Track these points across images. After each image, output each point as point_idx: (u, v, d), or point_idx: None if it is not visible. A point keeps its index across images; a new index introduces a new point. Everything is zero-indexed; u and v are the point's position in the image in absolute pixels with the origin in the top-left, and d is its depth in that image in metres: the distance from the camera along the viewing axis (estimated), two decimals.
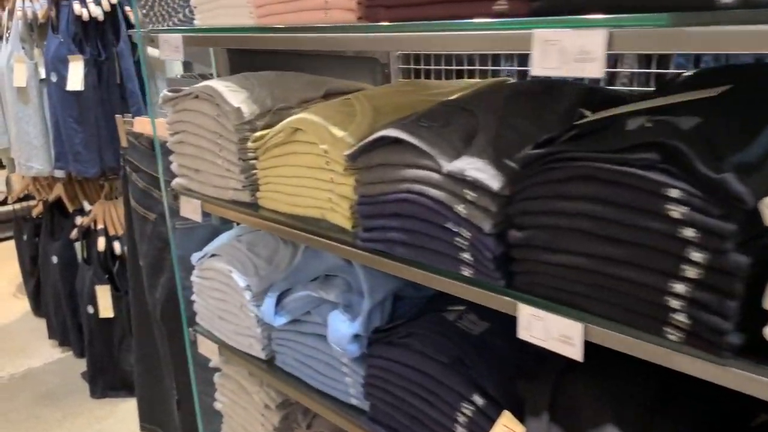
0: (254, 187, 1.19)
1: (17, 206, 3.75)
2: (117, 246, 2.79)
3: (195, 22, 1.26)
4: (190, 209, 1.23)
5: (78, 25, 2.50)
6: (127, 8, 2.58)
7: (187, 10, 1.40)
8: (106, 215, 2.83)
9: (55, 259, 3.13)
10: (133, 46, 2.62)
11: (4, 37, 2.94)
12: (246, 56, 1.45)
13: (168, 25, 1.46)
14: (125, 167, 1.73)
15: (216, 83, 1.17)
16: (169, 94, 1.21)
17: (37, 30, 2.87)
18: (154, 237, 1.60)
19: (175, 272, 1.38)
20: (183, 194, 1.28)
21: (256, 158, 1.15)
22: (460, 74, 1.64)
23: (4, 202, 5.20)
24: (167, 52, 1.18)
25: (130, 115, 2.05)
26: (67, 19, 2.49)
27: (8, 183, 5.10)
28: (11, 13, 2.97)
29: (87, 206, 3.14)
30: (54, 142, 2.67)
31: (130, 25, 2.60)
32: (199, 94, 1.19)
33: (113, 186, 2.94)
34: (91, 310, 2.87)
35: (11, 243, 4.14)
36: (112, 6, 2.52)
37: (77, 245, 3.08)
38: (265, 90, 1.16)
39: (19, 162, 2.96)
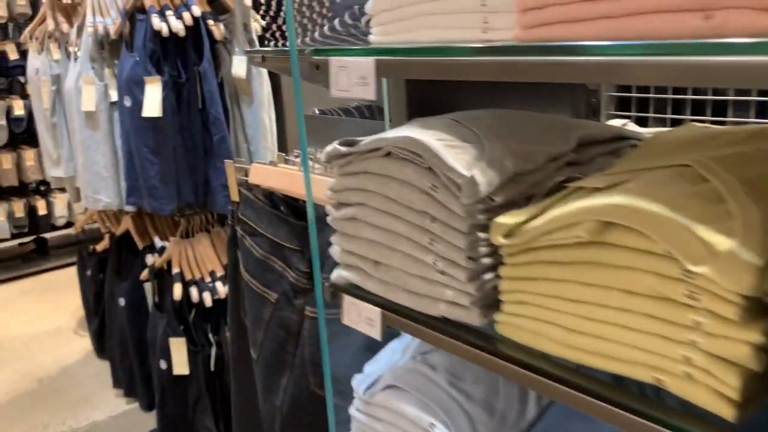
0: (489, 304, 0.72)
1: (78, 231, 3.41)
2: (194, 292, 2.38)
3: (371, 38, 0.82)
4: (360, 317, 0.78)
5: (156, 42, 2.11)
6: (210, 22, 2.19)
7: (337, 21, 0.96)
8: (182, 257, 2.43)
9: (122, 302, 2.75)
10: (216, 66, 2.22)
11: (73, 56, 2.58)
12: (422, 85, 1.01)
13: (305, 42, 1.04)
14: (234, 226, 1.30)
15: (418, 133, 0.71)
16: (341, 148, 0.76)
17: (108, 48, 2.50)
18: (274, 324, 1.17)
19: (326, 387, 0.93)
20: (350, 295, 0.84)
21: (499, 261, 0.69)
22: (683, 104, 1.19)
23: (66, 226, 4.91)
24: (342, 86, 0.74)
25: (239, 158, 1.64)
26: (144, 36, 2.10)
27: (70, 209, 4.79)
28: (80, 30, 2.62)
29: (158, 242, 2.76)
30: (126, 173, 2.28)
31: (212, 41, 2.21)
32: (393, 151, 0.74)
33: (191, 222, 2.55)
34: (163, 365, 2.46)
35: (73, 270, 3.82)
36: (195, 20, 2.12)
37: (147, 287, 2.69)
38: (496, 143, 0.71)
39: (85, 194, 2.58)
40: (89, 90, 2.43)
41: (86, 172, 2.50)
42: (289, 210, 1.25)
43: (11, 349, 3.53)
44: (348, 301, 0.82)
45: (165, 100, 2.10)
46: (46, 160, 2.97)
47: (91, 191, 2.51)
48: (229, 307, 1.46)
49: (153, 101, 2.08)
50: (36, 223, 4.63)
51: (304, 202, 1.20)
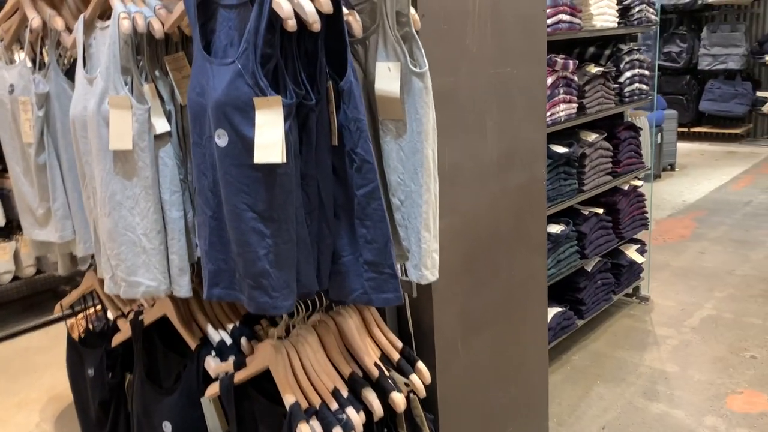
0: None
1: (62, 310, 2.42)
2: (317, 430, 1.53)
3: None
4: None
5: (275, 40, 1.24)
6: (345, 10, 1.36)
7: None
8: (286, 371, 1.53)
9: (168, 428, 1.84)
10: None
11: (81, 66, 1.64)
12: None
13: None
14: None
15: None
16: None
17: (148, 52, 1.59)
18: None
19: None
20: None
21: None
22: None
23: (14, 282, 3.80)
24: None
25: None
26: (256, 28, 1.24)
27: (18, 260, 3.69)
28: (89, 28, 1.70)
29: (214, 333, 1.87)
30: (206, 250, 1.36)
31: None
32: None
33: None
34: None
35: (30, 343, 2.80)
36: (336, 4, 1.29)
37: (209, 407, 1.80)
38: None
39: (113, 275, 1.63)
40: (122, 118, 1.53)
41: (115, 243, 1.59)
42: None
43: None
44: None
45: (288, 135, 1.27)
46: (24, 217, 2.00)
47: (124, 271, 1.61)
48: None
49: (271, 137, 1.24)
50: None
51: None
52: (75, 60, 1.87)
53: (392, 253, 1.35)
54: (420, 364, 1.64)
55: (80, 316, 2.45)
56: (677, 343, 3.11)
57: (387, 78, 1.35)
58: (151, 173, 1.53)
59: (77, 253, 1.92)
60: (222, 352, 1.78)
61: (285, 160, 1.21)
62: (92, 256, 2.05)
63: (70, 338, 2.20)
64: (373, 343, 1.66)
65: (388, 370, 1.61)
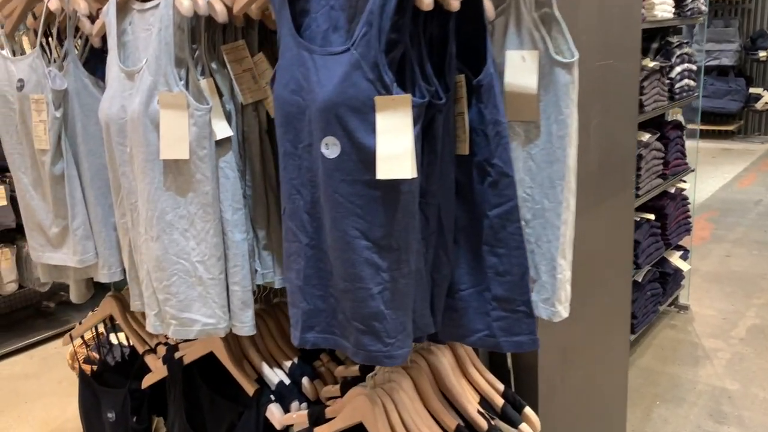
0: None
1: (72, 351, 2.10)
2: None
3: None
4: None
5: (404, 22, 0.96)
6: None
7: None
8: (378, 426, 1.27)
9: None
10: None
11: (115, 57, 1.33)
12: None
13: None
14: None
15: None
16: None
17: (206, 39, 1.30)
18: None
19: None
20: None
21: None
22: None
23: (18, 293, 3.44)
24: None
25: None
26: (381, 7, 0.97)
27: (21, 268, 3.31)
28: (122, 8, 1.40)
29: (270, 373, 1.60)
30: (300, 286, 1.07)
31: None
32: None
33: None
34: None
35: (31, 367, 2.50)
36: None
37: None
38: None
39: (162, 312, 1.34)
40: (177, 120, 1.25)
41: (164, 273, 1.31)
42: None
43: None
44: None
45: (415, 142, 1.01)
46: (33, 236, 1.69)
47: (175, 307, 1.33)
48: None
49: (397, 146, 0.98)
50: None
51: None
52: (93, 51, 1.59)
53: (529, 288, 1.11)
54: (528, 410, 1.41)
55: (82, 341, 2.16)
56: (730, 357, 2.94)
57: (520, 70, 1.11)
58: (211, 188, 1.27)
59: (100, 279, 1.63)
60: (282, 396, 1.52)
61: (415, 175, 0.96)
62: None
63: (82, 374, 1.91)
64: (470, 386, 1.42)
65: (493, 419, 1.37)
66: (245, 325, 1.35)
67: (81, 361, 2.16)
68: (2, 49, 1.62)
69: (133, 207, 1.37)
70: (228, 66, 1.33)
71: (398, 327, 1.05)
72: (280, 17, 1.08)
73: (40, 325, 3.52)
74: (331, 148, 1.00)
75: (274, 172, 1.40)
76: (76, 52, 1.54)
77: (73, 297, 1.81)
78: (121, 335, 2.05)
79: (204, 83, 1.27)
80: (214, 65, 1.31)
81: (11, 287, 3.33)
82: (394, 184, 0.98)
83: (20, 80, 1.55)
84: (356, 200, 1.00)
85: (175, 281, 1.31)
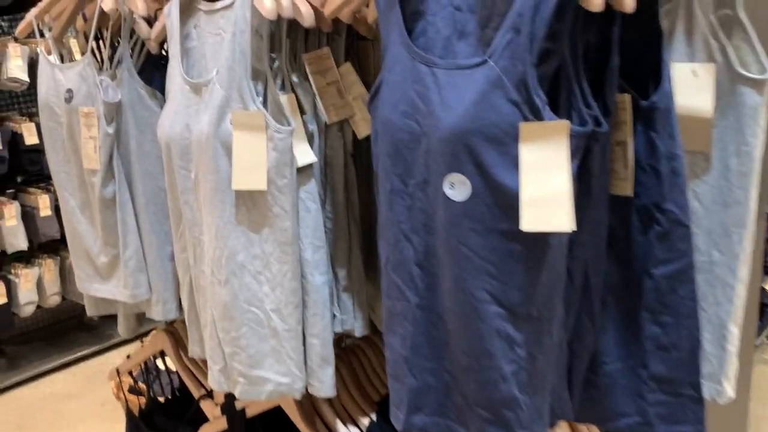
0: None
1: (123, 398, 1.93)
2: None
3: None
4: None
5: (563, 27, 0.72)
6: None
7: None
8: None
9: None
10: None
11: (179, 66, 1.13)
12: None
13: None
14: None
15: None
16: None
17: (287, 47, 1.08)
18: None
19: None
20: None
21: None
22: None
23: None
24: None
25: None
26: (534, 8, 0.75)
27: (41, 288, 3.19)
28: (186, 9, 1.20)
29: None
30: (405, 356, 0.83)
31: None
32: None
33: None
34: None
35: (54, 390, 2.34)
36: None
37: None
38: None
39: (228, 368, 1.13)
40: (253, 144, 1.05)
41: (232, 323, 1.11)
42: None
43: None
44: None
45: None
46: (79, 265, 1.51)
47: (243, 362, 1.13)
48: None
49: (548, 188, 0.76)
50: None
51: None
52: (149, 58, 1.40)
53: (699, 366, 0.87)
54: None
55: (128, 371, 1.98)
56: None
57: (690, 88, 0.87)
58: (290, 223, 1.06)
59: (153, 316, 1.45)
60: None
61: (574, 227, 0.74)
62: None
63: (130, 415, 1.73)
64: None
65: None
66: (324, 384, 1.14)
67: (126, 391, 2.00)
68: (49, 54, 1.45)
69: (196, 241, 1.18)
70: (310, 78, 1.12)
71: (533, 415, 0.83)
72: (388, 21, 0.86)
73: (83, 339, 3.40)
74: (457, 188, 0.78)
75: (357, 200, 1.19)
76: (131, 59, 1.36)
77: (122, 331, 1.63)
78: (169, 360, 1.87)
79: (285, 99, 1.07)
80: (295, 78, 1.10)
81: (54, 300, 3.21)
82: (539, 237, 0.76)
83: (68, 91, 1.38)
84: (489, 255, 0.78)
85: (245, 333, 1.11)
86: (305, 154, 1.08)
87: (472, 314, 0.80)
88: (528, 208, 0.74)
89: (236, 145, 1.04)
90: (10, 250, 2.91)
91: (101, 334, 3.47)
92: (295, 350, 1.12)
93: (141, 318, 1.67)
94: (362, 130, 1.15)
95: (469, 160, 0.76)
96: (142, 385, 2.08)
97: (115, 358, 3.29)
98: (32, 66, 2.84)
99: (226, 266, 1.09)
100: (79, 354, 3.25)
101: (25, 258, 3.09)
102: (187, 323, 1.30)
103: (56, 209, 2.97)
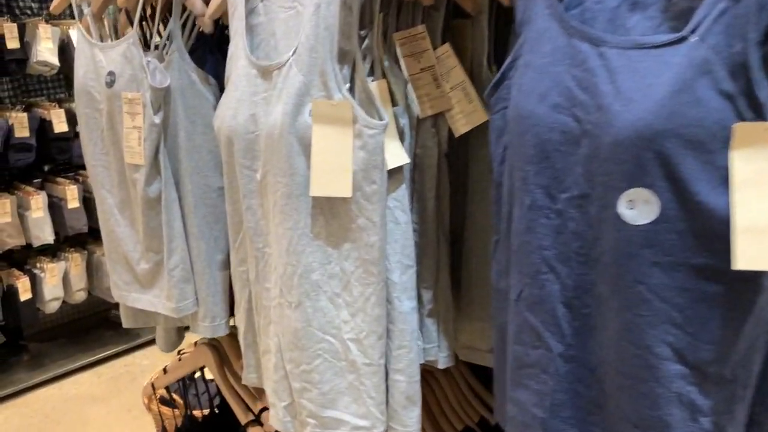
0: None
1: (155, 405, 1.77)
2: None
3: None
4: None
5: None
6: None
7: None
8: None
9: None
10: None
11: (243, 45, 0.93)
12: None
13: None
14: None
15: None
16: None
17: (379, 23, 0.89)
18: None
19: None
20: None
21: None
22: None
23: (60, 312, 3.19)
24: None
25: None
26: None
27: (67, 283, 3.06)
28: None
29: None
30: (543, 418, 0.61)
31: None
32: None
33: None
34: None
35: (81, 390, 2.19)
36: None
37: None
38: None
39: (294, 405, 0.94)
40: (337, 141, 0.87)
41: (303, 353, 0.91)
42: None
43: None
44: None
45: None
46: (117, 270, 1.33)
47: (315, 400, 0.93)
48: None
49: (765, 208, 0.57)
50: (14, 312, 2.88)
51: None
52: (200, 37, 1.22)
53: None
54: None
55: (164, 386, 1.81)
56: None
57: None
58: (378, 238, 0.87)
59: (200, 332, 1.28)
60: None
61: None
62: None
63: None
64: None
65: None
66: (408, 429, 0.96)
67: (158, 401, 1.84)
68: (89, 33, 1.28)
69: (259, 254, 0.99)
70: (401, 63, 0.93)
71: None
72: None
73: (108, 338, 3.25)
74: (639, 208, 0.58)
75: (447, 210, 1.00)
76: (182, 38, 1.18)
77: (161, 345, 1.46)
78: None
79: (375, 87, 0.88)
80: (386, 62, 0.91)
81: (80, 296, 3.07)
82: (749, 277, 0.57)
83: (110, 73, 1.20)
84: (676, 298, 0.59)
85: (318, 366, 0.93)
86: (397, 155, 0.89)
87: (644, 373, 0.61)
88: (744, 238, 0.54)
89: (316, 142, 0.86)
90: (36, 243, 2.76)
91: (127, 333, 3.31)
92: (376, 388, 0.93)
93: (182, 331, 1.50)
94: (460, 126, 0.95)
95: (659, 172, 0.57)
96: (176, 396, 1.91)
97: (142, 359, 3.15)
98: (63, 49, 2.69)
99: (298, 286, 0.91)
100: (104, 354, 3.11)
101: (51, 251, 2.95)
102: (242, 346, 1.12)
103: (85, 201, 2.82)
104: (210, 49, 1.24)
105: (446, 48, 0.95)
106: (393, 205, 0.90)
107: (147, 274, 1.28)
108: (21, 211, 2.68)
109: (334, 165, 0.85)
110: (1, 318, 2.79)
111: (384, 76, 0.90)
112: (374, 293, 0.90)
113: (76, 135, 2.69)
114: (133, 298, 1.32)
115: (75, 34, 1.26)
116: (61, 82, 3.08)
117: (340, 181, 0.85)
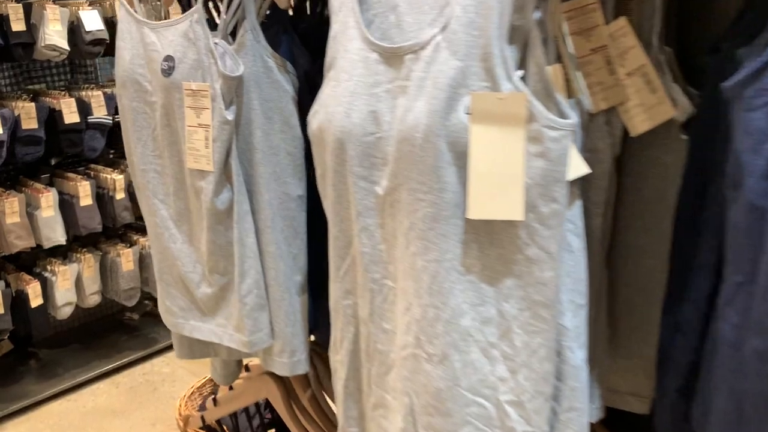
0: None
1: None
2: None
3: None
4: None
5: None
6: None
7: None
8: None
9: None
10: None
11: (359, 23, 0.73)
12: None
13: None
14: None
15: None
16: None
17: None
18: None
19: None
20: None
21: None
22: None
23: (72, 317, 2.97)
24: None
25: None
26: None
27: (80, 288, 2.83)
28: None
29: None
30: None
31: None
32: None
33: None
34: None
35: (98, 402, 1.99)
36: None
37: None
38: None
39: None
40: (507, 146, 0.66)
41: (446, 420, 0.71)
42: None
43: None
44: None
45: None
46: (170, 294, 1.10)
47: None
48: None
49: None
50: (24, 319, 2.66)
51: None
52: (274, 14, 1.01)
53: None
54: None
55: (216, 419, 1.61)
56: None
57: None
58: (552, 273, 0.67)
59: (276, 370, 1.07)
60: None
61: None
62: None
63: None
64: None
65: None
66: None
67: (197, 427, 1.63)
68: (134, 9, 1.06)
69: (377, 287, 0.79)
70: (567, 42, 0.72)
71: None
72: None
73: (123, 343, 3.04)
74: None
75: (609, 230, 0.80)
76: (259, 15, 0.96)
77: (217, 378, 1.26)
78: None
79: (551, 72, 0.67)
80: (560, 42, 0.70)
81: (94, 300, 2.85)
82: None
83: (168, 59, 0.99)
84: None
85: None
86: (576, 164, 0.68)
87: None
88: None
89: (476, 147, 0.65)
90: (46, 244, 2.54)
91: (144, 337, 3.11)
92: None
93: (241, 362, 1.30)
94: (639, 123, 0.75)
95: None
96: (214, 425, 1.71)
97: (161, 366, 2.95)
98: (72, 32, 2.45)
99: (444, 335, 0.70)
100: (121, 362, 2.90)
101: (62, 253, 2.73)
102: (339, 393, 0.91)
103: (98, 197, 2.59)
104: (284, 28, 1.02)
105: (623, 23, 0.74)
106: (567, 228, 0.70)
107: (209, 299, 1.07)
108: (30, 210, 2.46)
109: (500, 178, 0.64)
110: (11, 325, 2.57)
111: (561, 58, 0.69)
112: (544, 344, 0.69)
113: (88, 126, 2.46)
114: (191, 327, 1.12)
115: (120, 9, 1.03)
116: (71, 68, 2.83)
117: (508, 200, 0.65)
